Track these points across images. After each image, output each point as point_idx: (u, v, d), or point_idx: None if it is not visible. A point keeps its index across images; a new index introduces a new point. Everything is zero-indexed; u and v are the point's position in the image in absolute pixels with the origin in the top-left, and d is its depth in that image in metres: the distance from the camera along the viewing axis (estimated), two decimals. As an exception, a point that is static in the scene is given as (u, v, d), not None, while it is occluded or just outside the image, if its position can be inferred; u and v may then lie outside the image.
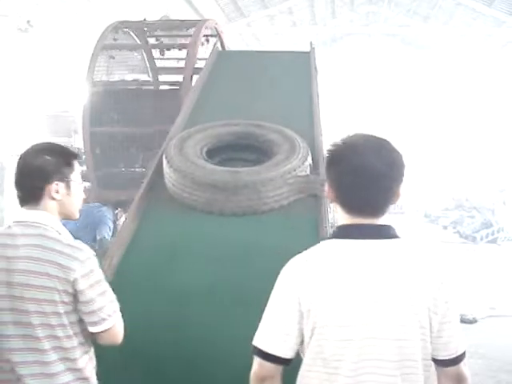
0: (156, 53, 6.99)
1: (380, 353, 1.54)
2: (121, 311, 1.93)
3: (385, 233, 1.63)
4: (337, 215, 1.73)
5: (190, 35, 6.41)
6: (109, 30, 6.38)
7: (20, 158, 1.96)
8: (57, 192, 1.92)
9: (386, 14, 22.30)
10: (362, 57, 25.65)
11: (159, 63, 7.20)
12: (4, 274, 1.82)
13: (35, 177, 1.91)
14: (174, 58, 6.85)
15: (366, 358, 1.54)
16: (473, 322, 6.68)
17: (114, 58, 6.49)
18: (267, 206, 3.19)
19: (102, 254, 4.02)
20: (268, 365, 1.60)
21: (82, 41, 8.95)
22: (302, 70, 5.02)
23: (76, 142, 8.37)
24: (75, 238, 1.96)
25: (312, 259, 1.63)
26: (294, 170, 3.26)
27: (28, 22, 9.07)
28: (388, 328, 1.54)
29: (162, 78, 7.14)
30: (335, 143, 1.67)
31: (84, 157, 6.11)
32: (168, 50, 6.75)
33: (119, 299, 1.94)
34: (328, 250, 1.64)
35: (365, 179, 1.60)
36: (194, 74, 5.96)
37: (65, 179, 1.95)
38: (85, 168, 5.91)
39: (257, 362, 1.61)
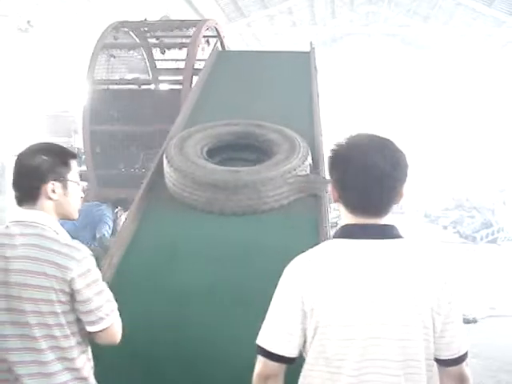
0: (156, 53, 6.98)
1: (383, 353, 1.54)
2: (121, 311, 1.92)
3: (388, 233, 1.63)
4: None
5: (190, 36, 6.40)
6: (109, 30, 6.37)
7: (17, 158, 1.95)
8: (53, 192, 1.91)
9: (385, 14, 22.30)
10: (362, 57, 25.65)
11: (159, 64, 7.19)
12: (2, 274, 1.82)
13: (32, 177, 1.90)
14: (174, 58, 6.85)
15: (369, 357, 1.53)
16: (473, 322, 6.68)
17: (114, 56, 6.48)
18: (267, 205, 3.19)
19: (102, 251, 4.04)
20: (272, 364, 1.60)
21: (82, 41, 8.96)
22: (301, 70, 5.02)
23: (76, 141, 8.37)
24: (75, 237, 1.96)
25: (315, 259, 1.63)
26: (294, 170, 3.26)
27: (28, 22, 9.08)
28: (391, 328, 1.54)
29: (163, 77, 7.13)
30: (339, 143, 1.67)
31: (84, 156, 6.12)
32: (168, 49, 6.73)
33: (119, 299, 1.93)
34: (331, 250, 1.64)
35: (368, 179, 1.59)
36: (193, 74, 5.95)
37: (61, 179, 1.94)
38: (84, 168, 5.91)
39: (260, 361, 1.61)
